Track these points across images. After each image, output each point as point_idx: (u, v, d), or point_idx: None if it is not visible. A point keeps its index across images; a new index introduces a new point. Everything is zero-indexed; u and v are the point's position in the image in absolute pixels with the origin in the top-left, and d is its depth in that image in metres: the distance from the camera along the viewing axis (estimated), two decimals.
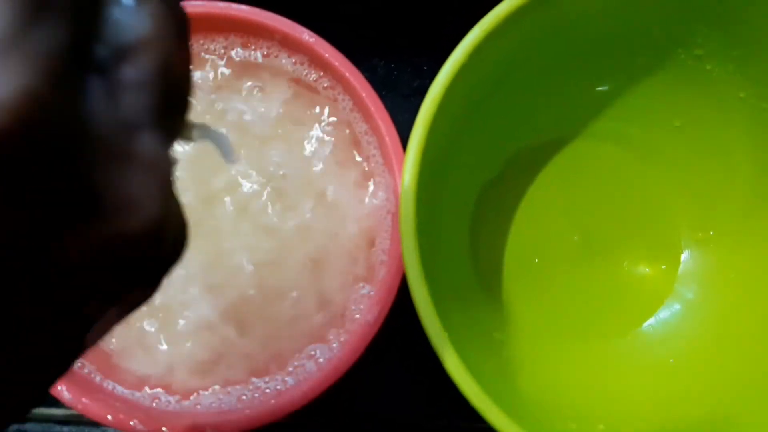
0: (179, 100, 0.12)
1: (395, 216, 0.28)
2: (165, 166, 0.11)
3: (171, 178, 0.12)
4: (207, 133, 0.15)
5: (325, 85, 0.29)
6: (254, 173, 0.29)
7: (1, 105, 0.09)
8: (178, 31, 0.12)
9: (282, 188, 0.29)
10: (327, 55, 0.27)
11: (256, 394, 0.28)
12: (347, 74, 0.27)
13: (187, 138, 0.14)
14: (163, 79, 0.11)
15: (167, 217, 0.11)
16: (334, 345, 0.28)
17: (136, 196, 0.11)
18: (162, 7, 0.11)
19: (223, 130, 0.18)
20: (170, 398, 0.28)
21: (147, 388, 0.28)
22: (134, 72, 0.11)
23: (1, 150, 0.09)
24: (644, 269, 0.34)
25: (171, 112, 0.12)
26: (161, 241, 0.11)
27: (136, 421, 0.26)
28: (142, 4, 0.11)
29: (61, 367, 0.13)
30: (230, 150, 0.16)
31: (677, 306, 0.33)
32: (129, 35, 0.11)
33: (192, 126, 0.14)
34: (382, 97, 0.32)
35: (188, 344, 0.28)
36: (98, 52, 0.11)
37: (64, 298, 0.11)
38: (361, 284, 0.29)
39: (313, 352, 0.28)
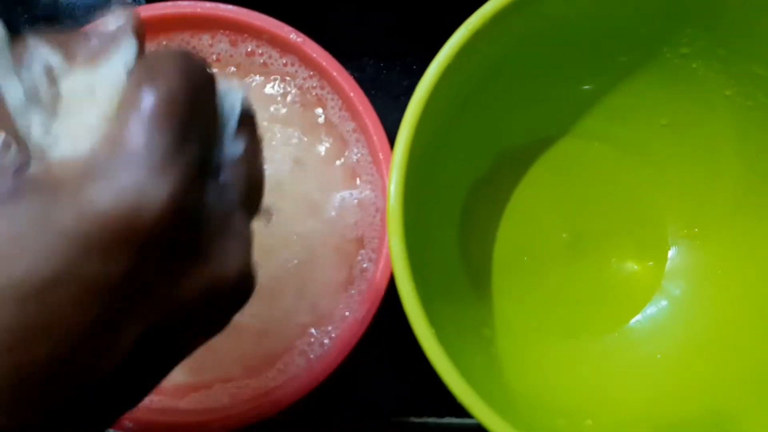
0: (257, 193, 0.18)
1: (384, 214, 0.29)
2: (248, 236, 0.17)
3: (251, 245, 0.17)
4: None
5: (314, 84, 0.29)
6: None
7: (162, 202, 0.14)
8: (257, 153, 0.18)
9: (270, 188, 0.29)
10: (315, 55, 0.28)
11: (246, 392, 0.28)
12: (335, 74, 0.27)
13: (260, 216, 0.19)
14: (247, 182, 0.17)
15: (249, 270, 0.17)
16: (325, 341, 0.28)
17: (230, 254, 0.16)
18: (251, 138, 0.18)
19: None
20: (160, 397, 0.28)
21: None
22: (232, 177, 0.17)
23: (154, 230, 0.14)
24: (632, 266, 0.34)
25: (252, 201, 0.18)
26: (243, 287, 0.17)
27: (128, 422, 0.26)
28: (240, 136, 0.17)
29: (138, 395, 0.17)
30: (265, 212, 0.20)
31: (664, 302, 0.33)
32: (231, 153, 0.17)
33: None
34: (372, 97, 0.32)
35: None
36: (213, 162, 0.16)
37: (167, 332, 0.16)
38: (350, 282, 0.29)
39: (303, 350, 0.28)
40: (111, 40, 0.16)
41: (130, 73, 0.15)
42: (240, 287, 0.17)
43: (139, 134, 0.14)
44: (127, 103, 0.14)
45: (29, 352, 0.13)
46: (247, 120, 0.18)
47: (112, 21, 0.16)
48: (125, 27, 0.16)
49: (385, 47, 0.37)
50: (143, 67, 0.15)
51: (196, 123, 0.15)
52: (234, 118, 0.17)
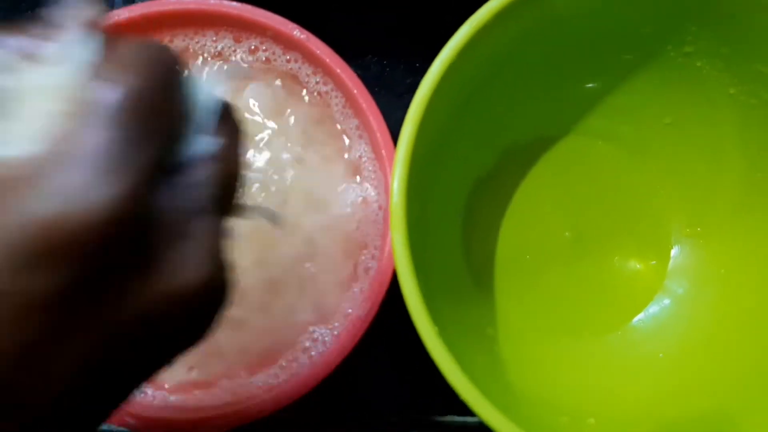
0: (230, 192, 0.17)
1: (387, 212, 0.29)
2: (214, 240, 0.16)
3: (217, 250, 0.16)
4: (257, 212, 0.20)
5: (317, 81, 0.29)
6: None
7: (109, 209, 0.13)
8: (233, 150, 0.17)
9: (272, 184, 0.29)
10: (318, 52, 0.28)
11: (249, 389, 0.28)
12: (338, 70, 0.27)
13: (241, 216, 0.18)
14: (219, 181, 0.16)
15: (215, 276, 0.15)
16: (327, 339, 0.28)
17: (188, 261, 0.15)
18: (228, 134, 0.16)
19: (269, 206, 0.27)
20: (164, 393, 0.28)
21: None
22: (200, 176, 0.16)
23: (100, 239, 0.13)
24: (635, 265, 0.34)
25: (224, 201, 0.16)
26: (210, 294, 0.15)
27: (129, 419, 0.26)
28: (214, 132, 0.16)
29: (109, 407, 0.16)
30: (275, 217, 0.20)
31: (667, 301, 0.33)
32: (201, 150, 0.16)
33: (245, 208, 0.18)
34: (375, 95, 0.32)
35: None
36: (174, 161, 0.15)
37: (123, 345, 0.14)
38: (354, 279, 0.29)
39: (306, 347, 0.28)
40: (69, 33, 0.14)
41: (90, 69, 0.14)
42: (205, 295, 0.15)
43: (89, 134, 0.13)
44: (81, 101, 0.13)
45: None
46: (225, 115, 0.17)
47: (70, 15, 0.15)
48: (83, 20, 0.15)
49: (389, 46, 0.37)
50: (104, 62, 0.14)
51: (158, 122, 0.14)
52: (207, 113, 0.16)
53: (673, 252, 0.34)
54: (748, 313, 0.31)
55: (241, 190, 0.17)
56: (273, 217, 0.21)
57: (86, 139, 0.13)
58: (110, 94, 0.13)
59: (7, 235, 0.12)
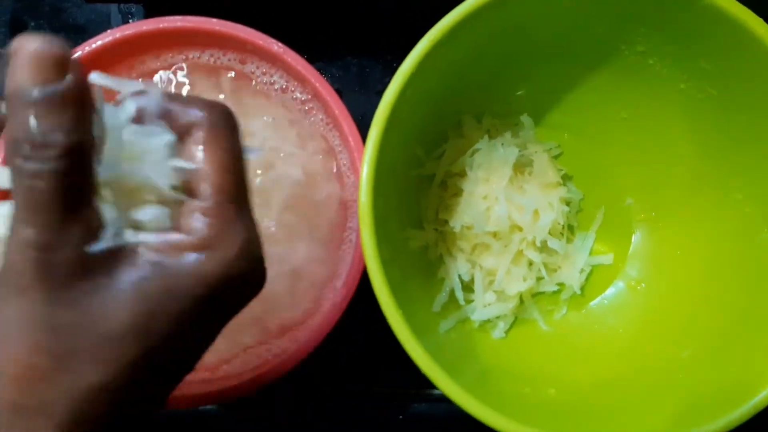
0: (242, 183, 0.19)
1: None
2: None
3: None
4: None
5: (285, 86, 0.32)
6: None
7: None
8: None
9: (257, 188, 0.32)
10: (291, 61, 0.30)
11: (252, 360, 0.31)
12: (312, 80, 0.30)
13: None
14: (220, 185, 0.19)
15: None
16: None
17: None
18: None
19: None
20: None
21: None
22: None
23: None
24: (599, 248, 0.37)
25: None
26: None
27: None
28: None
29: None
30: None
31: (621, 284, 0.36)
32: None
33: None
34: (356, 93, 0.35)
35: None
36: None
37: None
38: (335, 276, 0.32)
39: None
40: None
41: None
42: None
43: None
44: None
45: None
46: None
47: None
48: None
49: (366, 48, 0.39)
50: None
51: None
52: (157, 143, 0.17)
53: (633, 237, 0.36)
54: (701, 290, 0.33)
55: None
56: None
57: None
58: None
59: None
